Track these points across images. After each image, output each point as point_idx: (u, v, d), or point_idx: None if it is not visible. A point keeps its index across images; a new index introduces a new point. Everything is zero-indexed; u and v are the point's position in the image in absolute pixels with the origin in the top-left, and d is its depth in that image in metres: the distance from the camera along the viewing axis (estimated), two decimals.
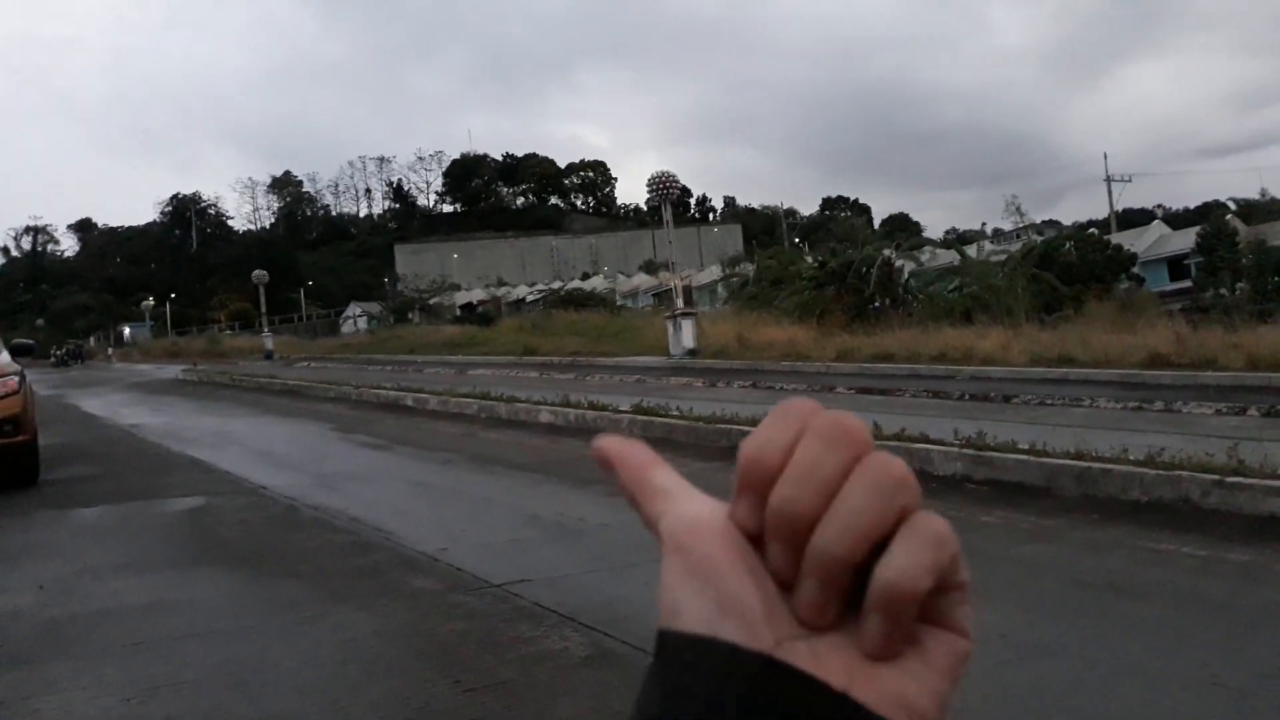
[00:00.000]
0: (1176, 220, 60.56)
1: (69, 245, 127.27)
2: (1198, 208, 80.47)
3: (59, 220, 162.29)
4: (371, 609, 4.80)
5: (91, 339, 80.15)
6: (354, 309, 75.93)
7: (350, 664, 4.07)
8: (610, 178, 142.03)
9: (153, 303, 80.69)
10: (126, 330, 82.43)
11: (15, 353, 9.80)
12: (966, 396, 12.21)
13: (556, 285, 67.97)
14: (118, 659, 4.26)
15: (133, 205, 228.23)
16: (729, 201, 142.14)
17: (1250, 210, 50.78)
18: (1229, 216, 41.59)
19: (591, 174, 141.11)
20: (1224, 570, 4.83)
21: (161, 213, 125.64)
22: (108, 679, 4.01)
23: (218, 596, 5.23)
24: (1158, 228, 48.38)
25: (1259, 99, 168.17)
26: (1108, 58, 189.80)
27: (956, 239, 48.06)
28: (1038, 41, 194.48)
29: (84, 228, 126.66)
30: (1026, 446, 6.94)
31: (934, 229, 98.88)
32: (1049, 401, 11.21)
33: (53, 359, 53.82)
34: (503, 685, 3.76)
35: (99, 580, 5.65)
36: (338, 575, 5.47)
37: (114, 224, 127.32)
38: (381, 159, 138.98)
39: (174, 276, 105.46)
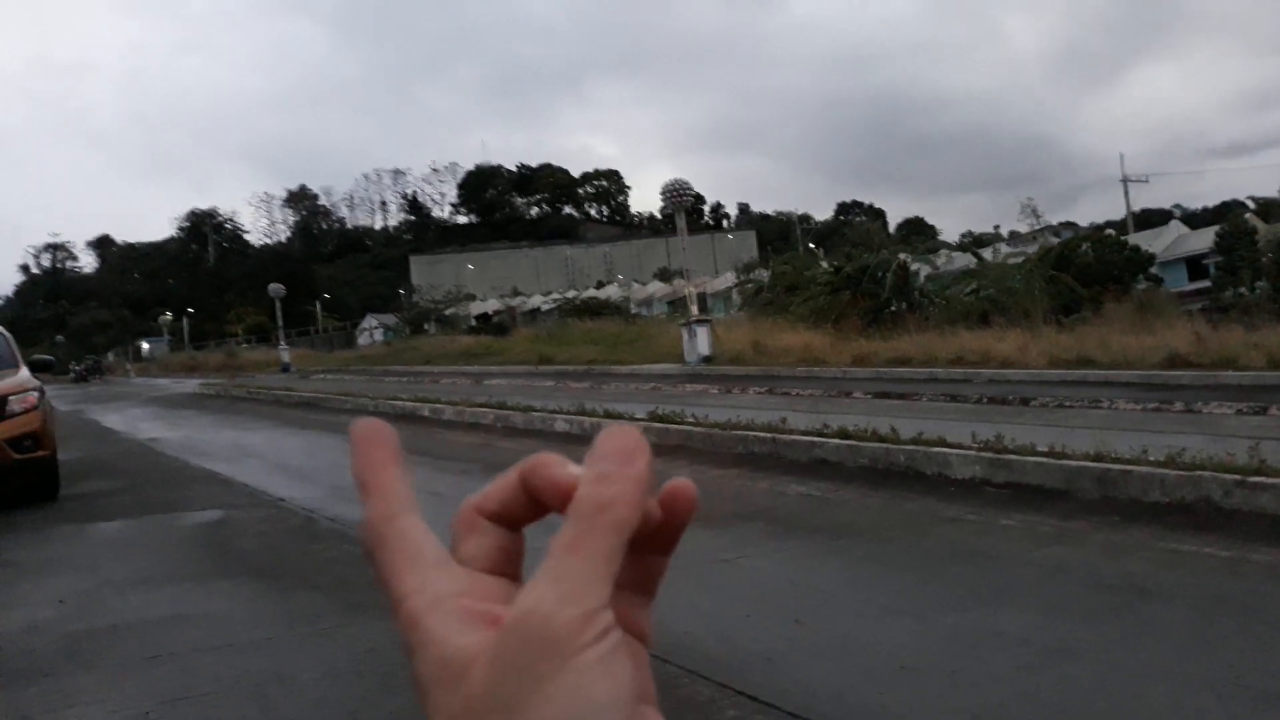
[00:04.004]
0: (1194, 220, 60.23)
1: (88, 262, 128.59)
2: (1216, 207, 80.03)
3: (78, 237, 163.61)
4: (390, 620, 4.79)
5: (110, 354, 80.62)
6: (370, 321, 76.26)
7: (369, 676, 4.06)
8: (624, 187, 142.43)
9: (170, 317, 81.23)
10: (145, 345, 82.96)
11: (34, 368, 9.87)
12: (984, 399, 12.14)
13: (571, 294, 67.95)
14: (137, 672, 4.27)
15: (150, 222, 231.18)
16: (743, 208, 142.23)
17: (1269, 208, 50.33)
18: (1247, 215, 41.36)
19: (605, 183, 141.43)
20: (1247, 571, 4.77)
21: (179, 228, 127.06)
22: (127, 692, 4.02)
23: (236, 609, 5.25)
24: (1175, 228, 48.06)
25: (1274, 98, 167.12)
26: (1119, 61, 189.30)
27: (972, 242, 47.76)
28: (1049, 46, 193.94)
29: (102, 244, 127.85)
30: (1046, 449, 6.88)
31: (949, 232, 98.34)
32: (1068, 403, 11.13)
33: (72, 374, 54.14)
34: None
35: (119, 594, 5.67)
36: (356, 586, 5.47)
37: (132, 240, 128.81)
38: (396, 172, 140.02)
39: (191, 291, 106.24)
